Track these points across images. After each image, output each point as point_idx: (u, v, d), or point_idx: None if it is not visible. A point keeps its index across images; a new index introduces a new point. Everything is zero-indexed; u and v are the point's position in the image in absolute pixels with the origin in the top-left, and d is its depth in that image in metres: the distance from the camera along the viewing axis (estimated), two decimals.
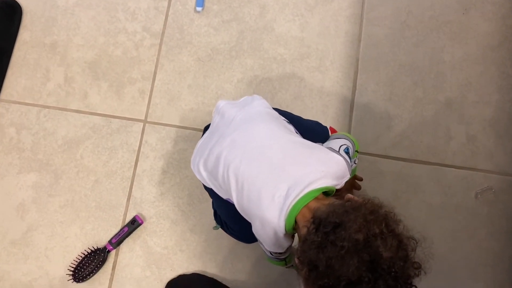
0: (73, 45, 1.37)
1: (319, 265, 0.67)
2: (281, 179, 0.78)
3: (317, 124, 1.08)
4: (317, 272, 0.68)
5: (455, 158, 1.28)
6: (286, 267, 1.03)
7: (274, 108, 0.96)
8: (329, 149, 0.84)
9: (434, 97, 1.32)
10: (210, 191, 0.96)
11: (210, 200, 1.22)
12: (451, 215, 1.25)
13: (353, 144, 0.93)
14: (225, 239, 1.22)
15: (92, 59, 1.36)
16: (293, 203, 0.76)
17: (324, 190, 0.78)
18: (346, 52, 1.35)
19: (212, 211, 1.20)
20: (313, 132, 1.00)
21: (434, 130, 1.30)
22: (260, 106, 0.93)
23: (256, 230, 0.83)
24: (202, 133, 1.01)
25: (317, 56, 1.35)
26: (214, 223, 1.22)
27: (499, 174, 1.27)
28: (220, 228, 1.13)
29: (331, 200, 0.77)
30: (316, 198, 0.76)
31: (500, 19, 1.36)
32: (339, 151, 0.85)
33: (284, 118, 0.94)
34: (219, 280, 1.19)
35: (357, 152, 0.97)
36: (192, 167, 0.95)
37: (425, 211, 1.25)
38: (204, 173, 0.91)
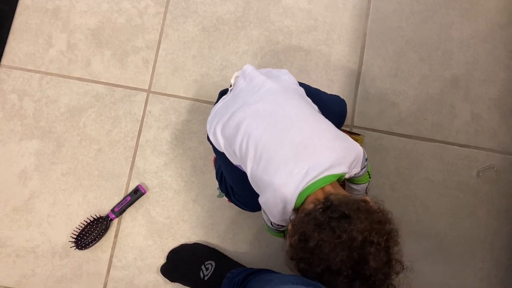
0: (76, 11, 1.34)
1: (310, 241, 0.70)
2: (302, 157, 0.79)
3: (336, 97, 1.09)
4: (305, 246, 0.71)
5: (459, 136, 1.29)
6: (285, 239, 1.05)
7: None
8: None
9: (440, 74, 1.31)
10: (220, 155, 0.95)
11: (213, 171, 1.22)
12: (452, 192, 1.26)
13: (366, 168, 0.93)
14: (227, 210, 1.23)
15: (95, 26, 1.33)
16: (310, 183, 0.77)
17: (340, 177, 0.80)
18: (354, 26, 1.33)
19: (215, 182, 1.20)
20: (330, 107, 1.00)
21: (439, 108, 1.30)
22: (288, 81, 0.93)
23: (266, 201, 0.83)
24: (217, 96, 1.00)
25: (324, 29, 1.33)
26: (217, 194, 1.23)
27: (502, 153, 1.28)
28: (224, 196, 1.13)
29: (347, 192, 0.81)
30: (332, 184, 0.78)
31: None
32: None
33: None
34: (221, 250, 1.21)
35: (369, 177, 0.97)
36: (208, 127, 0.94)
37: (427, 188, 1.26)
38: (220, 138, 0.91)
